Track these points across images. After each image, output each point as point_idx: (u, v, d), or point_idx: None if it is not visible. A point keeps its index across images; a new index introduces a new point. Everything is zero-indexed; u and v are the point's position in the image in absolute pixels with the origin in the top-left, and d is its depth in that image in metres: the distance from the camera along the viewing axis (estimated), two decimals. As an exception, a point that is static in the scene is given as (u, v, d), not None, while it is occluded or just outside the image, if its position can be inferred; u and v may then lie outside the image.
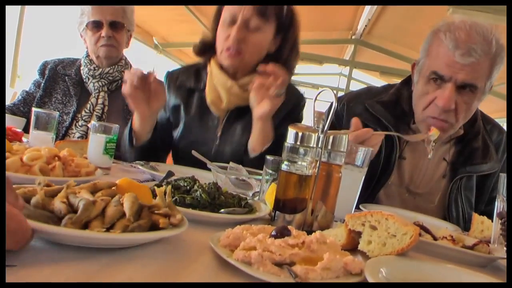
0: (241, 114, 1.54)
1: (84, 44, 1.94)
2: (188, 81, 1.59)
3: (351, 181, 1.08)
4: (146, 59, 7.45)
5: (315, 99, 0.90)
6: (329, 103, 0.99)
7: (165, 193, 0.67)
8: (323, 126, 0.89)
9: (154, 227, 0.60)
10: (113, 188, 0.66)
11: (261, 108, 1.33)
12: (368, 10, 6.41)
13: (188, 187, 0.91)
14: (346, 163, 1.03)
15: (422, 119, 1.42)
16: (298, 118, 1.60)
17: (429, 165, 1.52)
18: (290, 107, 1.55)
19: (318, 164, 0.89)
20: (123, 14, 1.86)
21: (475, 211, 1.46)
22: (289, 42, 1.52)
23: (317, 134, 0.87)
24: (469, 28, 1.29)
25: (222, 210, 0.86)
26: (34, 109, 1.30)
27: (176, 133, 1.62)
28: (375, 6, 6.04)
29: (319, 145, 0.88)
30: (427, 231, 0.99)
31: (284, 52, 1.52)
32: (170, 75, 1.64)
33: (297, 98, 1.62)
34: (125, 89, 1.34)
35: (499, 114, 8.04)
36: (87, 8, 1.82)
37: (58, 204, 0.56)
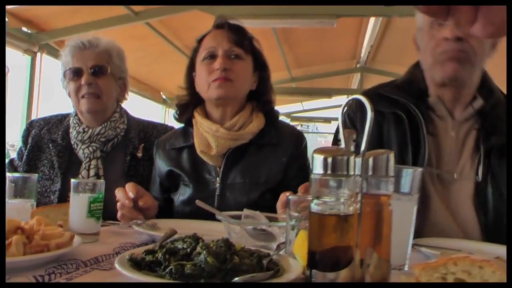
0: (237, 157, 1.41)
1: (72, 103, 1.62)
2: (177, 142, 1.49)
3: (401, 215, 0.84)
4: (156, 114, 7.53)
5: (343, 109, 0.68)
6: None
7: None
8: (359, 146, 0.66)
9: None
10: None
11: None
12: (369, 37, 6.32)
13: (188, 250, 0.67)
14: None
15: (434, 63, 1.31)
16: (305, 163, 1.46)
17: (454, 143, 1.34)
18: (291, 149, 1.44)
19: (360, 198, 0.65)
20: (108, 58, 1.58)
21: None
22: (266, 79, 1.51)
23: (353, 157, 0.64)
24: None
25: (236, 278, 0.62)
26: (8, 174, 1.10)
27: (177, 196, 1.45)
28: (376, 32, 5.94)
29: (358, 172, 0.65)
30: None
31: (264, 88, 1.50)
32: (157, 143, 1.54)
33: (297, 136, 1.49)
34: (118, 215, 1.22)
35: None
36: (67, 58, 1.57)
37: None
